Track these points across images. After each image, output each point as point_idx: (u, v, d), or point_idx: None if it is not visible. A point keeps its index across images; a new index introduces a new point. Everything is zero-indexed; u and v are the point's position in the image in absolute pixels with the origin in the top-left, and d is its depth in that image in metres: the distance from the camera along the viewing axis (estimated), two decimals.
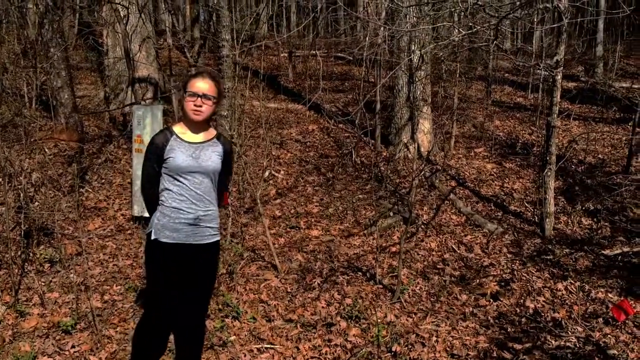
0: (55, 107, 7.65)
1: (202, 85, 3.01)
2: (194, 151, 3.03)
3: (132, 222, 6.14)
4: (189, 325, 3.17)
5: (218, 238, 3.20)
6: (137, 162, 5.98)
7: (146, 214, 5.89)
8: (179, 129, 3.10)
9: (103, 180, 7.13)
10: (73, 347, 3.83)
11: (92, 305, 4.09)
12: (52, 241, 5.39)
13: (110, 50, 9.40)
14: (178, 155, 2.99)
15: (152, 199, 3.12)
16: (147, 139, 5.91)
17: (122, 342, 3.90)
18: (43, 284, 4.69)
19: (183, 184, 3.01)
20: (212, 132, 3.18)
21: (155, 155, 3.02)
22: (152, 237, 3.02)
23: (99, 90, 10.20)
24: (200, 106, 2.99)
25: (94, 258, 5.30)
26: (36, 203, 6.12)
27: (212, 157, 3.08)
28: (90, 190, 6.77)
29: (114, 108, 9.20)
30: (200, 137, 3.10)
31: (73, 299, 4.41)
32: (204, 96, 2.99)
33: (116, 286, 4.76)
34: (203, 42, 8.58)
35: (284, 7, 22.04)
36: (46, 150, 7.28)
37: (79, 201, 6.28)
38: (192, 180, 3.02)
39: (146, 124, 5.92)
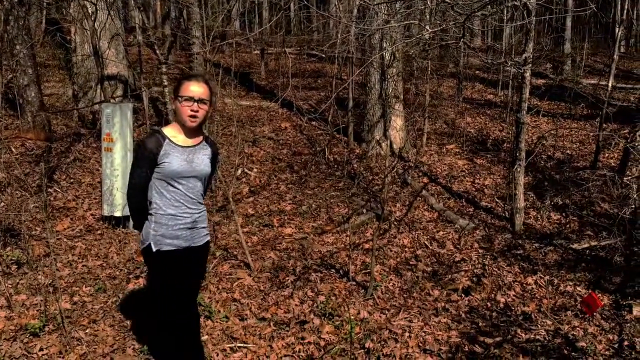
0: (21, 105, 7.50)
1: (196, 89, 2.95)
2: (187, 155, 2.99)
3: (102, 222, 6.04)
4: (186, 315, 3.22)
5: (209, 238, 3.27)
6: (107, 160, 5.90)
7: (117, 214, 5.84)
8: (171, 131, 3.03)
9: (72, 180, 7.01)
10: (41, 349, 3.75)
11: (61, 307, 4.01)
12: (19, 242, 5.28)
13: (79, 48, 9.25)
14: (173, 160, 2.93)
15: (141, 207, 3.04)
16: (116, 137, 5.83)
17: (92, 344, 3.84)
18: (10, 286, 4.59)
19: (177, 189, 2.97)
20: (200, 134, 3.15)
21: (148, 160, 2.94)
22: (154, 250, 2.98)
23: (67, 88, 10.02)
24: (197, 111, 2.95)
25: (63, 259, 5.21)
26: (2, 204, 6.00)
27: (204, 161, 3.07)
28: (59, 190, 6.65)
29: (82, 106, 9.05)
30: (191, 140, 3.06)
31: (41, 300, 4.33)
32: (200, 101, 2.95)
33: (86, 287, 4.68)
34: (173, 39, 8.48)
35: (256, 3, 21.91)
36: (12, 149, 7.13)
37: (46, 201, 6.16)
38: (187, 184, 3.00)
39: (115, 122, 5.83)
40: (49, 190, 6.55)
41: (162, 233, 2.98)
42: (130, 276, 4.90)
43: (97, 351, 3.75)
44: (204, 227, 3.16)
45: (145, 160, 2.95)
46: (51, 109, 8.88)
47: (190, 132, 3.05)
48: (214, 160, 3.18)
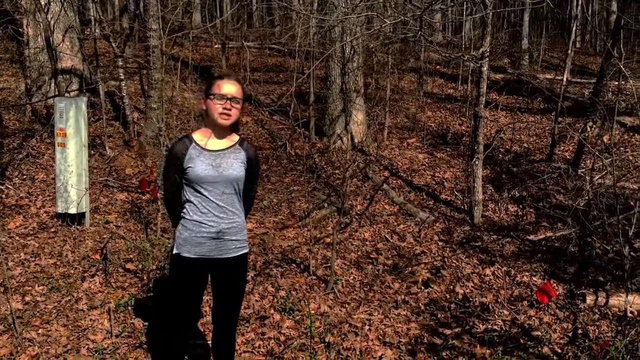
0: None
1: (230, 87, 2.82)
2: (214, 159, 2.85)
3: (56, 220, 5.88)
4: (220, 333, 3.12)
5: (246, 251, 3.04)
6: (60, 156, 5.73)
7: (71, 211, 5.70)
8: (199, 136, 2.91)
9: (25, 176, 6.80)
10: None
11: (12, 307, 3.88)
12: None
13: (31, 41, 8.95)
14: (197, 165, 2.81)
15: (174, 211, 2.97)
16: (70, 133, 5.67)
17: (45, 345, 3.73)
18: None
19: (204, 195, 2.85)
20: (234, 138, 2.99)
21: (175, 165, 2.85)
22: (174, 252, 2.90)
23: (20, 83, 9.70)
24: (230, 109, 2.81)
25: (15, 258, 5.04)
26: None
27: (234, 165, 2.89)
28: (11, 187, 6.44)
29: (36, 101, 8.78)
30: (221, 144, 2.92)
31: None
32: (233, 99, 2.81)
33: (38, 286, 4.54)
34: (130, 31, 8.30)
35: None
36: None
37: None
38: (214, 191, 2.85)
39: (70, 117, 5.67)
40: (1, 187, 6.34)
41: (185, 237, 2.87)
42: (85, 274, 4.78)
43: (49, 352, 3.65)
44: (235, 240, 2.95)
45: (171, 165, 2.88)
46: (3, 104, 8.59)
47: (221, 135, 2.92)
48: (249, 165, 2.98)
